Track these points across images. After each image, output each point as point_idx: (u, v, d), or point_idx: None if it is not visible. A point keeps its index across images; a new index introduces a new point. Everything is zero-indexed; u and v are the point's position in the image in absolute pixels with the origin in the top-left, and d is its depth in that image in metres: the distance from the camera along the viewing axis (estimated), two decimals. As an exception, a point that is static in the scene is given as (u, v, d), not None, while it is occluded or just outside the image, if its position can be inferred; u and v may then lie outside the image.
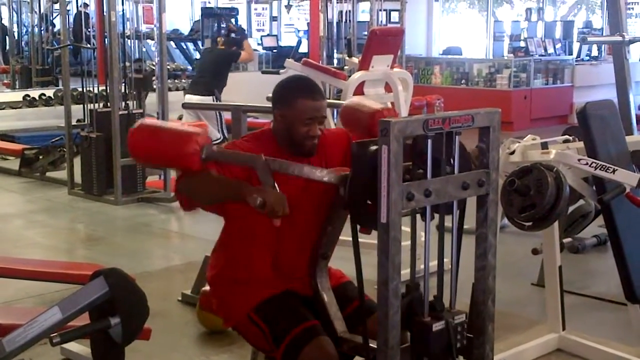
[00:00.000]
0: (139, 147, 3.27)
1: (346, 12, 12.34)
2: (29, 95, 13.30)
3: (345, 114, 3.67)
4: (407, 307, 2.76)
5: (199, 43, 18.68)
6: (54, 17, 17.64)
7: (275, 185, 2.98)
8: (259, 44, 18.51)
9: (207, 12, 18.89)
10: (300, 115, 3.22)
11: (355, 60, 8.33)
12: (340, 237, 3.30)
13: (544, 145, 4.38)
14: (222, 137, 9.70)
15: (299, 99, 3.24)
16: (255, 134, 3.42)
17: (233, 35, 11.60)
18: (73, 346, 4.54)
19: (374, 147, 2.77)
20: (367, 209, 2.78)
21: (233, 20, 17.80)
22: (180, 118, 10.54)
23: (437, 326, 2.78)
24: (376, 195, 2.61)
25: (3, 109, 13.33)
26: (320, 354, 3.09)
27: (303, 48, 18.58)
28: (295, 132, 3.24)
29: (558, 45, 16.42)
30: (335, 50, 12.37)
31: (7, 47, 19.06)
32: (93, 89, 9.41)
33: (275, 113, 3.32)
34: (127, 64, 9.33)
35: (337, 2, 12.28)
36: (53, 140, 10.60)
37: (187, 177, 3.14)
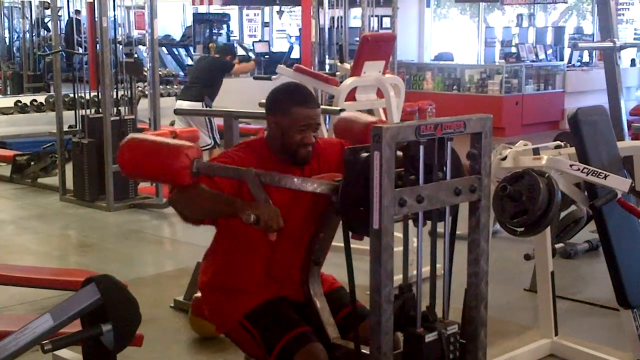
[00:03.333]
0: (128, 162, 3.27)
1: (338, 17, 12.34)
2: (20, 101, 13.26)
3: (340, 126, 3.68)
4: (399, 309, 2.75)
5: (191, 49, 18.69)
6: (46, 22, 17.62)
7: (268, 199, 2.97)
8: (250, 50, 18.52)
9: (199, 18, 18.90)
10: (295, 122, 3.22)
11: (347, 66, 8.34)
12: (333, 243, 3.30)
13: (536, 151, 4.38)
14: (212, 143, 9.70)
15: (293, 106, 3.23)
16: (248, 143, 3.41)
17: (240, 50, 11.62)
18: (65, 353, 4.52)
19: (366, 153, 2.78)
20: (360, 215, 2.78)
21: (224, 29, 17.86)
22: (172, 124, 10.55)
23: (430, 337, 2.78)
24: (368, 202, 2.61)
25: (-6, 115, 13.33)
26: (312, 360, 3.09)
27: (295, 54, 18.60)
28: (289, 139, 3.24)
29: (549, 51, 16.47)
30: (327, 56, 12.37)
31: (-1, 53, 19.05)
32: (85, 94, 9.40)
33: (269, 120, 3.32)
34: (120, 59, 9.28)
35: (329, 8, 12.28)
36: (45, 146, 10.58)
37: (179, 191, 3.13)
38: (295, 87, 3.47)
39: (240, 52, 16.26)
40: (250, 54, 17.45)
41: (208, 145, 9.72)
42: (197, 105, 9.58)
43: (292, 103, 3.25)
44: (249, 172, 3.00)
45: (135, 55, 9.80)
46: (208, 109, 9.60)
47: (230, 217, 3.03)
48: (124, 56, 9.34)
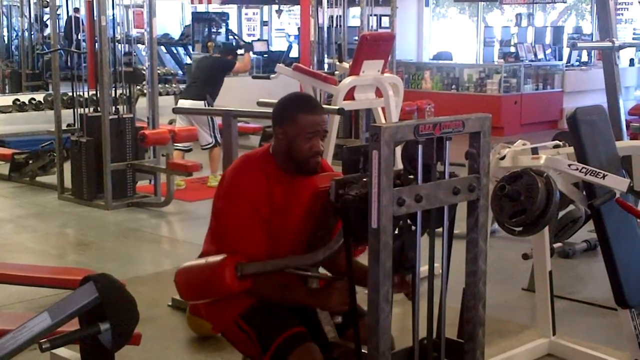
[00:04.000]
0: (185, 291, 3.40)
1: (337, 17, 12.33)
2: (18, 100, 13.24)
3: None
4: (399, 248, 2.75)
5: (190, 47, 18.67)
6: (45, 20, 17.59)
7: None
8: (247, 43, 18.49)
9: (198, 17, 18.88)
10: (302, 130, 3.22)
11: (346, 65, 8.32)
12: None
13: (534, 151, 4.38)
14: (214, 142, 9.70)
15: (299, 114, 3.24)
16: (249, 159, 3.39)
17: (238, 48, 11.60)
18: (63, 352, 4.52)
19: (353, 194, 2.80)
20: (358, 215, 2.78)
21: (223, 28, 17.82)
22: (171, 122, 10.55)
23: None
24: (367, 201, 2.61)
25: (-7, 113, 13.31)
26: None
27: (294, 53, 18.59)
28: (298, 149, 3.23)
29: (548, 51, 16.47)
30: (326, 55, 12.36)
31: (-3, 51, 19.02)
32: (83, 93, 9.39)
33: (276, 132, 3.31)
34: (118, 68, 9.30)
35: (328, 7, 12.27)
36: (43, 144, 10.57)
37: (255, 291, 3.21)
38: (299, 95, 3.53)
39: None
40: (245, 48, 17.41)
41: (210, 143, 9.74)
42: (200, 104, 9.58)
43: (298, 110, 3.26)
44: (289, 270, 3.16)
45: (135, 63, 9.79)
46: (206, 107, 9.60)
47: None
48: (123, 66, 9.32)
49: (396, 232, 2.73)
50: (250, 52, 12.94)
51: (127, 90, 9.33)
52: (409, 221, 2.80)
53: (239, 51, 12.19)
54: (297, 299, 3.21)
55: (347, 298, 3.05)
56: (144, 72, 9.68)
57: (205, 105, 9.59)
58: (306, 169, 3.25)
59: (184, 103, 9.75)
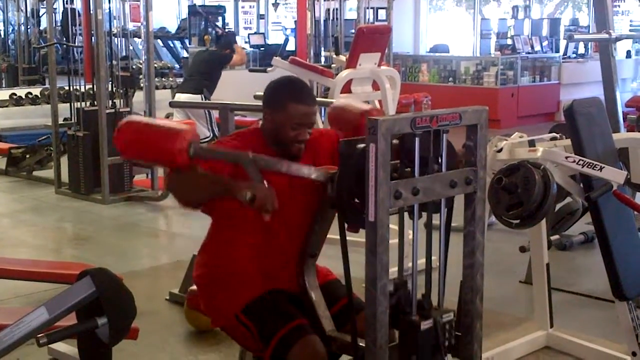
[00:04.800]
0: (125, 143, 3.24)
1: (333, 10, 12.32)
2: (15, 94, 13.22)
3: (334, 115, 3.66)
4: (395, 305, 2.75)
5: (186, 41, 18.65)
6: (41, 14, 17.57)
7: (264, 181, 2.98)
8: (246, 42, 18.48)
9: (194, 11, 18.85)
10: (290, 119, 3.21)
11: (343, 58, 8.33)
12: (328, 236, 3.30)
13: (531, 143, 4.38)
14: (211, 135, 9.70)
15: (290, 102, 3.22)
16: (242, 132, 3.41)
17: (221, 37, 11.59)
18: (60, 346, 4.53)
19: (361, 146, 2.77)
20: (355, 207, 2.78)
21: (220, 22, 17.79)
22: (167, 117, 10.53)
23: (425, 325, 2.78)
24: (364, 194, 2.60)
25: (-11, 107, 13.29)
26: (309, 352, 3.09)
27: (290, 46, 18.57)
28: (283, 134, 3.23)
29: (545, 43, 16.46)
30: (322, 48, 12.35)
31: (-6, 46, 19.01)
32: (80, 87, 9.38)
33: (265, 112, 3.31)
34: (114, 62, 9.30)
35: (324, 0, 12.26)
36: (40, 139, 10.56)
37: (175, 174, 3.13)
38: (293, 82, 3.45)
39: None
40: (243, 43, 17.39)
41: (207, 137, 9.73)
42: (196, 98, 9.58)
43: (288, 98, 3.24)
44: (245, 156, 3.02)
45: (133, 68, 9.81)
46: (203, 101, 9.59)
47: (226, 197, 3.04)
48: (120, 70, 9.33)
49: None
50: (243, 42, 12.91)
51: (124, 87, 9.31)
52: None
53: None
54: (212, 184, 3.09)
55: (269, 198, 2.94)
56: (140, 75, 9.67)
57: (202, 99, 9.59)
58: (288, 153, 3.24)
59: (181, 97, 9.75)
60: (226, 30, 17.25)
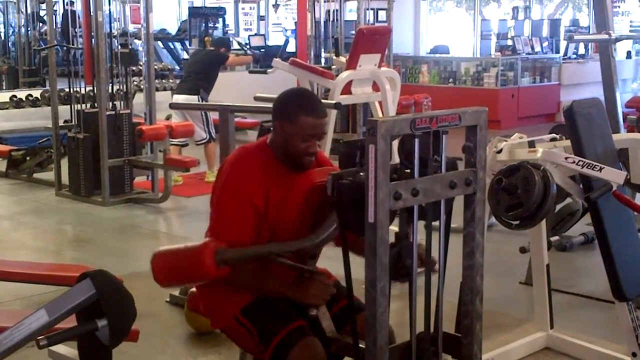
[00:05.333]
0: (162, 275, 3.35)
1: (333, 11, 12.32)
2: (15, 96, 13.23)
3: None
4: (396, 256, 2.75)
5: (187, 43, 18.66)
6: (41, 16, 17.57)
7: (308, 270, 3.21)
8: (246, 44, 18.49)
9: (195, 12, 18.86)
10: (301, 131, 3.20)
11: (343, 59, 8.34)
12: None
13: (531, 144, 4.38)
14: (208, 137, 9.68)
15: (301, 115, 3.21)
16: (247, 149, 3.39)
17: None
18: (60, 349, 4.52)
19: (353, 179, 2.79)
20: (355, 209, 2.77)
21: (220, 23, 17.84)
22: (167, 118, 10.53)
23: None
24: (363, 195, 2.60)
25: (-10, 110, 13.29)
26: (308, 354, 3.09)
27: (290, 47, 18.57)
28: (293, 146, 3.23)
29: (545, 44, 16.47)
30: (322, 50, 12.35)
31: (-6, 48, 19.01)
32: (80, 89, 9.38)
33: (275, 124, 3.30)
34: (114, 40, 9.25)
35: (325, 1, 12.26)
36: (40, 141, 10.56)
37: (232, 280, 3.20)
38: (304, 94, 3.45)
39: (235, 46, 16.21)
40: (247, 49, 17.42)
41: (204, 139, 9.71)
42: (193, 99, 9.56)
43: (300, 111, 3.23)
44: (273, 255, 3.16)
45: (130, 46, 9.78)
46: (204, 102, 9.58)
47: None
48: (119, 47, 9.32)
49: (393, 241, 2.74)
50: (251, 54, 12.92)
51: (124, 86, 9.32)
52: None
53: (236, 48, 12.15)
54: (273, 288, 3.21)
55: (326, 292, 3.07)
56: (140, 79, 9.65)
57: (198, 100, 9.57)
58: (299, 166, 3.25)
59: (178, 98, 9.72)
60: (246, 49, 17.29)
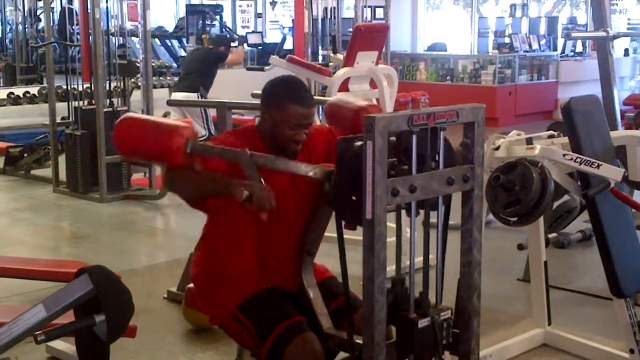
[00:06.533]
0: (123, 139, 3.27)
1: (331, 8, 12.31)
2: (13, 93, 13.21)
3: (330, 111, 3.66)
4: (392, 302, 2.76)
5: (184, 40, 18.63)
6: (38, 13, 17.55)
7: (261, 179, 2.98)
8: (238, 37, 18.45)
9: (192, 9, 18.84)
10: (289, 120, 3.20)
11: (340, 56, 8.31)
12: (326, 234, 3.30)
13: (529, 141, 4.39)
14: (207, 134, 9.69)
15: (289, 103, 3.21)
16: (238, 130, 3.42)
17: (232, 40, 11.57)
18: (58, 344, 4.53)
19: (358, 143, 2.78)
20: (352, 205, 2.78)
21: (217, 20, 17.79)
22: (165, 115, 10.52)
23: (423, 323, 2.78)
24: (361, 191, 2.60)
25: (-13, 107, 13.28)
26: (305, 350, 3.09)
27: (288, 45, 18.53)
28: (280, 134, 3.22)
29: (542, 41, 16.46)
30: (320, 47, 12.33)
31: (-9, 45, 18.98)
32: (78, 86, 9.38)
33: (262, 110, 3.30)
34: (112, 60, 9.29)
35: (322, -1, 12.27)
36: (37, 138, 10.56)
37: (172, 171, 3.13)
38: (293, 82, 3.43)
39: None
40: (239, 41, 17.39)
41: (203, 136, 9.72)
42: (192, 96, 9.57)
43: (288, 99, 3.22)
44: (243, 153, 3.02)
45: (129, 57, 9.79)
46: (201, 99, 9.59)
47: (222, 196, 3.04)
48: (117, 58, 9.33)
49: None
50: (245, 45, 12.90)
51: (122, 83, 9.32)
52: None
53: (233, 44, 12.16)
54: (211, 183, 3.10)
55: (271, 196, 2.96)
56: (138, 65, 9.66)
57: (198, 97, 9.58)
58: (286, 153, 3.24)
59: (177, 95, 9.74)
60: (237, 34, 17.27)
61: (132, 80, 10.35)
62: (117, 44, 9.53)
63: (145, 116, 3.31)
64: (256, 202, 2.91)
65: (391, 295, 2.75)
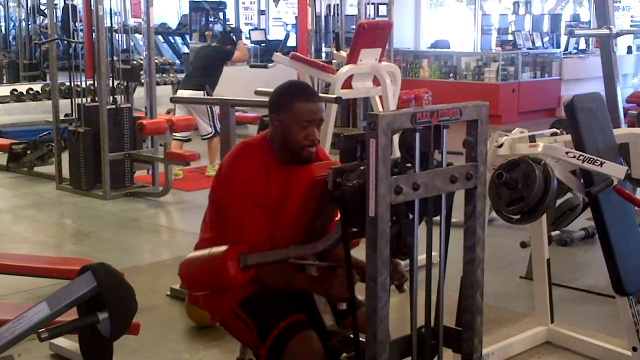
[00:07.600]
0: (189, 283, 3.43)
1: (334, 5, 12.30)
2: (16, 90, 13.22)
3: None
4: (397, 234, 2.75)
5: (187, 37, 18.63)
6: (42, 10, 17.54)
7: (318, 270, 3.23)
8: (247, 38, 18.45)
9: (195, 6, 18.82)
10: (298, 117, 3.22)
11: (343, 53, 8.32)
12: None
13: (532, 139, 4.38)
14: (213, 132, 9.69)
15: (295, 102, 3.25)
16: (247, 145, 3.40)
17: (231, 34, 11.56)
18: (61, 341, 4.53)
19: (353, 183, 2.79)
20: (356, 205, 2.77)
21: (220, 14, 17.78)
22: (169, 112, 10.53)
23: None
24: (364, 189, 2.60)
25: (-10, 103, 13.29)
26: (305, 348, 3.10)
27: (291, 42, 18.54)
28: (293, 137, 3.24)
29: (546, 39, 16.44)
30: (323, 44, 12.33)
31: (-6, 42, 18.96)
32: (81, 83, 9.38)
33: (273, 119, 3.32)
34: (115, 58, 9.30)
35: (325, -4, 12.26)
36: (41, 135, 10.56)
37: (259, 278, 3.20)
38: (296, 83, 3.52)
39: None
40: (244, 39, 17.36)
41: (209, 133, 9.75)
42: (199, 94, 9.58)
43: (294, 98, 3.27)
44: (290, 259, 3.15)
45: (132, 54, 9.80)
46: (204, 97, 9.59)
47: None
48: (121, 63, 9.34)
49: (393, 218, 2.73)
50: (244, 38, 12.85)
51: (125, 80, 9.32)
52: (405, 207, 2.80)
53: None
54: (301, 286, 3.21)
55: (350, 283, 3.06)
56: (141, 70, 9.65)
57: (204, 95, 9.59)
58: (301, 158, 3.25)
59: (183, 93, 9.75)
60: (231, 26, 17.24)
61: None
62: (120, 48, 9.53)
63: (197, 254, 3.35)
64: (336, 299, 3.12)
65: (395, 228, 2.75)
